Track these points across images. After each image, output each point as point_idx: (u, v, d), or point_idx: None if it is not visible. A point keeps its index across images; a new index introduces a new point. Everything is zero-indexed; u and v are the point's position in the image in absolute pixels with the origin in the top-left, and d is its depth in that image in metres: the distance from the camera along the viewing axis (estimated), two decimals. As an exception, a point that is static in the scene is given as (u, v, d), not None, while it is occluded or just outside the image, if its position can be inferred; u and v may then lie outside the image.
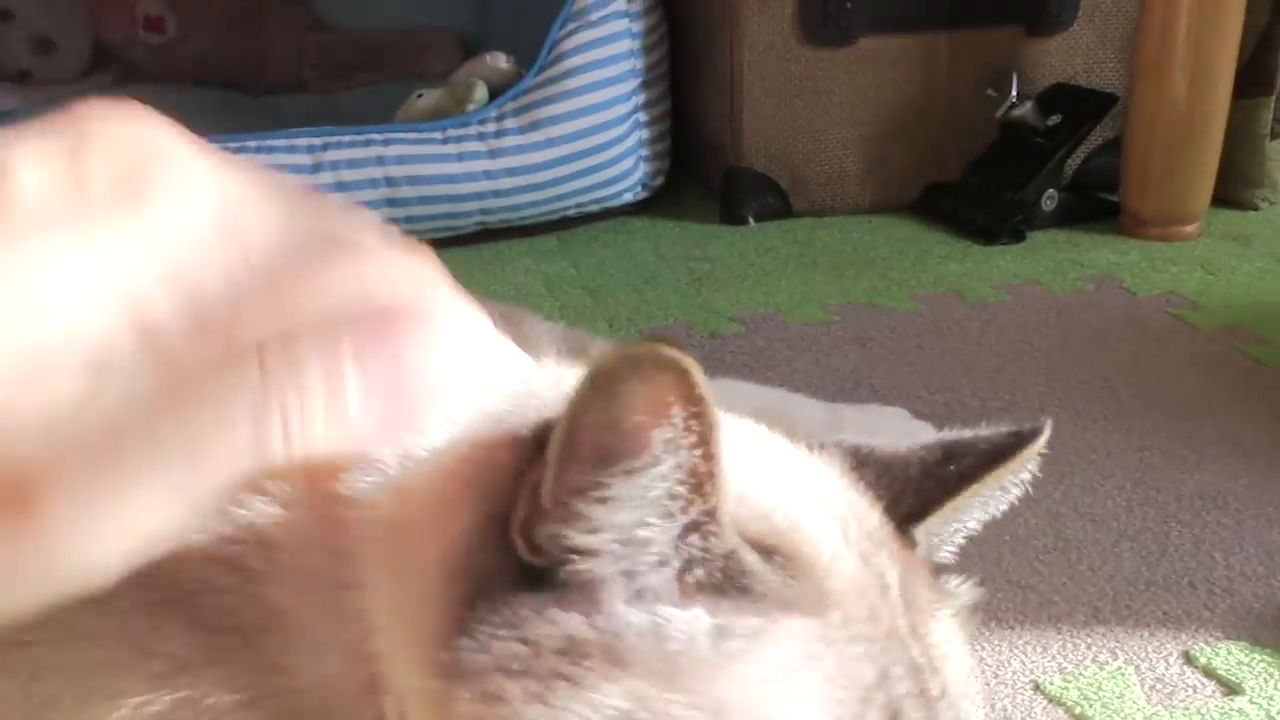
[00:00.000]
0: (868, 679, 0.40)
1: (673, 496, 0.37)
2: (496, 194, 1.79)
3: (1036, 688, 0.86)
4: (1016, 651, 0.89)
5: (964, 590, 0.49)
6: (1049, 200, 1.81)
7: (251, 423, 0.33)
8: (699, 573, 0.38)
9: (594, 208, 1.89)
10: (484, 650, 0.38)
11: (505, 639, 0.38)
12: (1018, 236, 1.78)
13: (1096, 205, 1.84)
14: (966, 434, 0.50)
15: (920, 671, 0.42)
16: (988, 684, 0.86)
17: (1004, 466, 0.49)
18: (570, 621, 0.38)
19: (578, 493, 0.37)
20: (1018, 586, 0.97)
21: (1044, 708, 0.84)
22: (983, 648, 0.89)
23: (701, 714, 0.37)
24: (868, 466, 0.49)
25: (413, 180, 1.76)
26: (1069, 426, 1.23)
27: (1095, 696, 0.84)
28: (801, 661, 0.39)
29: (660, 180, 1.96)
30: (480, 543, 0.39)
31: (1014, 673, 0.87)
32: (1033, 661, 0.88)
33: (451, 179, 1.76)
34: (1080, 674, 0.87)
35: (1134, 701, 0.84)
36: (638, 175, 1.90)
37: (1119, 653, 0.89)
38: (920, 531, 0.48)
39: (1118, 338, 1.45)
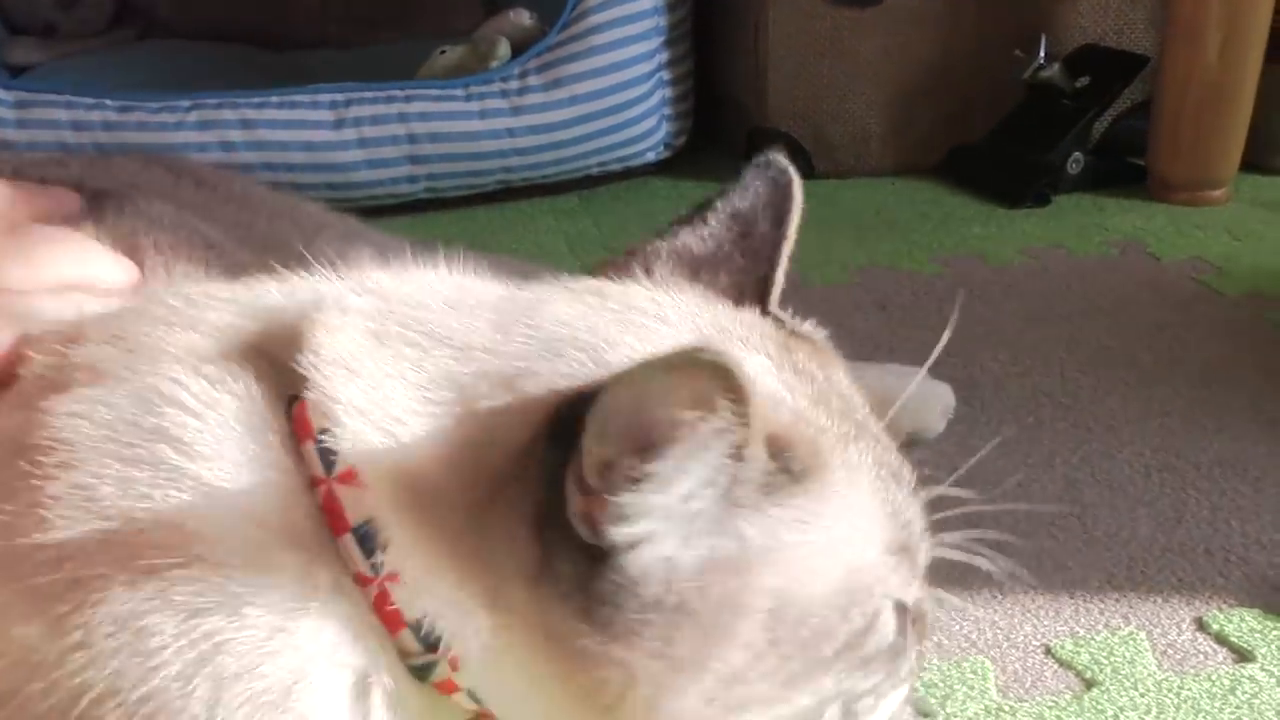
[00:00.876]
0: (870, 468, 0.49)
1: (719, 470, 0.43)
2: (519, 152, 1.79)
3: (1048, 651, 0.86)
4: (1029, 615, 0.90)
5: (812, 329, 0.58)
6: (1075, 163, 1.79)
7: None
8: (742, 492, 0.44)
9: (616, 166, 1.88)
10: (607, 624, 0.42)
11: (615, 603, 0.43)
12: (1042, 200, 1.76)
13: (1123, 169, 1.82)
14: (720, 199, 0.57)
15: (863, 424, 0.51)
16: (999, 647, 0.86)
17: (795, 213, 0.56)
18: (653, 580, 0.43)
19: (630, 480, 0.42)
20: (1031, 552, 0.97)
21: (1054, 671, 0.84)
22: (994, 611, 0.90)
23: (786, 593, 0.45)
24: (702, 269, 0.55)
25: (435, 137, 1.75)
26: (1089, 392, 1.22)
27: (1106, 661, 0.85)
28: (845, 507, 0.47)
29: (682, 140, 1.95)
30: (533, 529, 0.43)
31: (1025, 636, 0.88)
32: (1045, 626, 0.89)
33: (474, 136, 1.76)
34: (1092, 639, 0.87)
35: (1145, 667, 0.84)
36: (660, 134, 1.89)
37: (1131, 618, 0.89)
38: (773, 305, 0.55)
39: (1141, 303, 1.43)
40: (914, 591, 0.51)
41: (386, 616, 0.44)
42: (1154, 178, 1.77)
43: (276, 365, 0.46)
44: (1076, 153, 1.78)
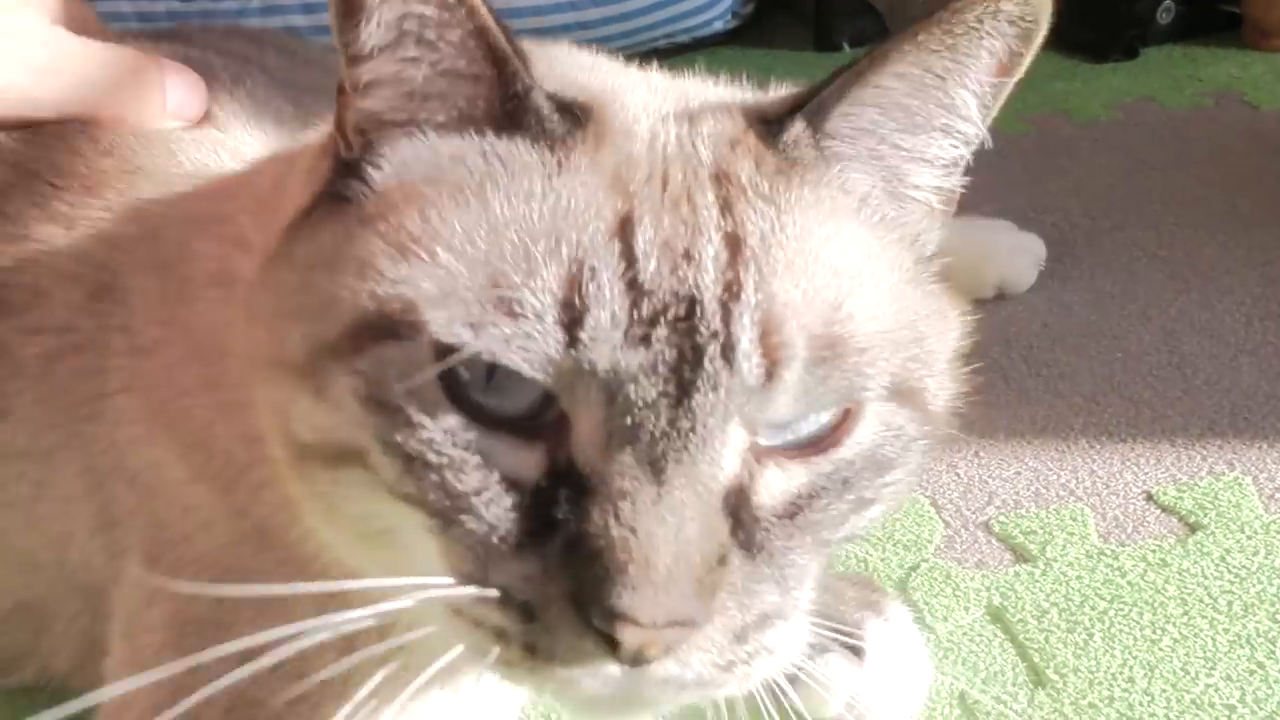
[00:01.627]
0: (590, 224, 0.42)
1: (420, 23, 0.42)
2: (583, 25, 1.74)
3: (1149, 498, 0.84)
4: (1128, 463, 0.88)
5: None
6: (1165, 13, 1.70)
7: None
8: (482, 104, 0.44)
9: (684, 38, 1.83)
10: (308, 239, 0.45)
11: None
12: (1130, 53, 1.68)
13: (1217, 17, 1.73)
14: None
15: (699, 233, 0.42)
16: (1098, 495, 0.85)
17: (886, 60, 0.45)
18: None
19: (352, 56, 0.43)
20: (1130, 401, 0.95)
21: (1157, 517, 0.83)
22: (1092, 460, 0.88)
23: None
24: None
25: (500, 13, 1.72)
26: (1185, 244, 1.18)
27: (1211, 506, 0.83)
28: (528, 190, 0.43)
29: (750, 7, 1.89)
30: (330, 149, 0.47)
31: (1125, 484, 0.86)
32: (1145, 473, 0.87)
33: (537, 10, 1.72)
34: (1195, 484, 0.85)
35: (1251, 510, 0.82)
36: (727, 2, 1.83)
37: (1236, 464, 0.87)
38: (797, 121, 0.46)
39: (1239, 153, 1.37)
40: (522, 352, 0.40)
41: None
42: (1249, 25, 1.68)
43: None
44: (1166, 1, 1.70)
